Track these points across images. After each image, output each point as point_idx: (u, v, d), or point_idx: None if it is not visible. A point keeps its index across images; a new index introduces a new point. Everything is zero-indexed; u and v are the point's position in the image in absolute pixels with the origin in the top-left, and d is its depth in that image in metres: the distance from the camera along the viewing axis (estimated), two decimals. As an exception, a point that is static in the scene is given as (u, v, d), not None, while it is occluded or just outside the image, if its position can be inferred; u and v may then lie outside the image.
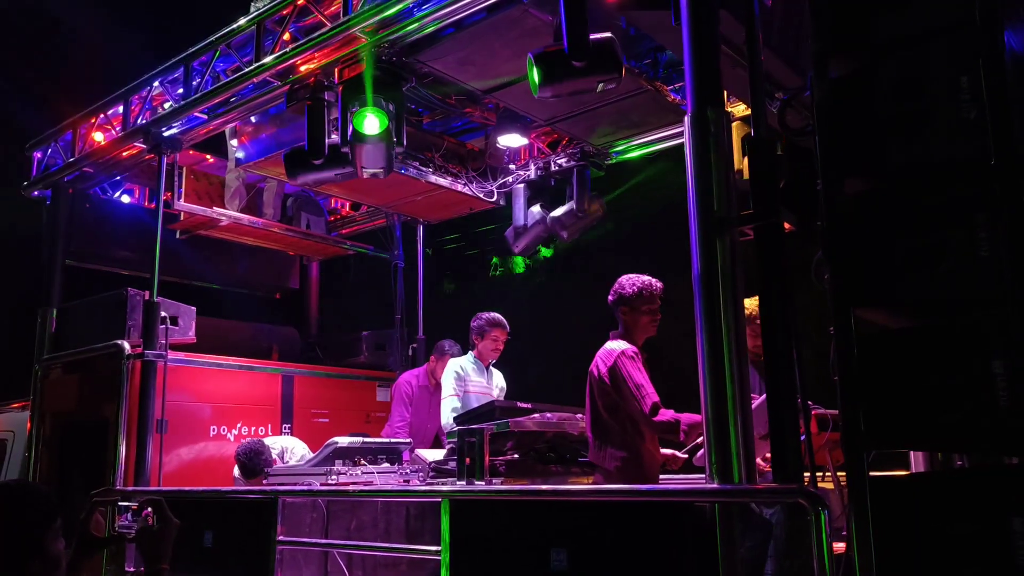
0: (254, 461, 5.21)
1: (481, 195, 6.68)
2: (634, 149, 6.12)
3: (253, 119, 5.84)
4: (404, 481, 4.91)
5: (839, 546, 2.95)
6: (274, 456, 5.41)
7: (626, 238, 7.15)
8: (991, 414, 2.32)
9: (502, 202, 6.79)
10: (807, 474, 3.08)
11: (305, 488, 4.37)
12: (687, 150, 2.97)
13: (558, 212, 6.34)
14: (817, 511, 2.50)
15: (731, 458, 2.75)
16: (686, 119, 2.96)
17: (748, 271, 2.96)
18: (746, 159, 3.03)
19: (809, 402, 4.12)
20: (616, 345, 4.21)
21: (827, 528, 2.53)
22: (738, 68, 3.24)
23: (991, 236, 2.40)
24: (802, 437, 4.13)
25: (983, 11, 2.47)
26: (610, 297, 4.30)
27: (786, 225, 2.95)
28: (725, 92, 4.99)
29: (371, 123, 4.41)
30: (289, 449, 5.64)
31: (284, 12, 4.88)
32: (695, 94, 2.97)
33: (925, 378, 2.47)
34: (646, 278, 4.24)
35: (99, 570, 4.62)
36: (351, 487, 4.39)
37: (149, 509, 2.18)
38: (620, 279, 4.30)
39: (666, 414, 3.93)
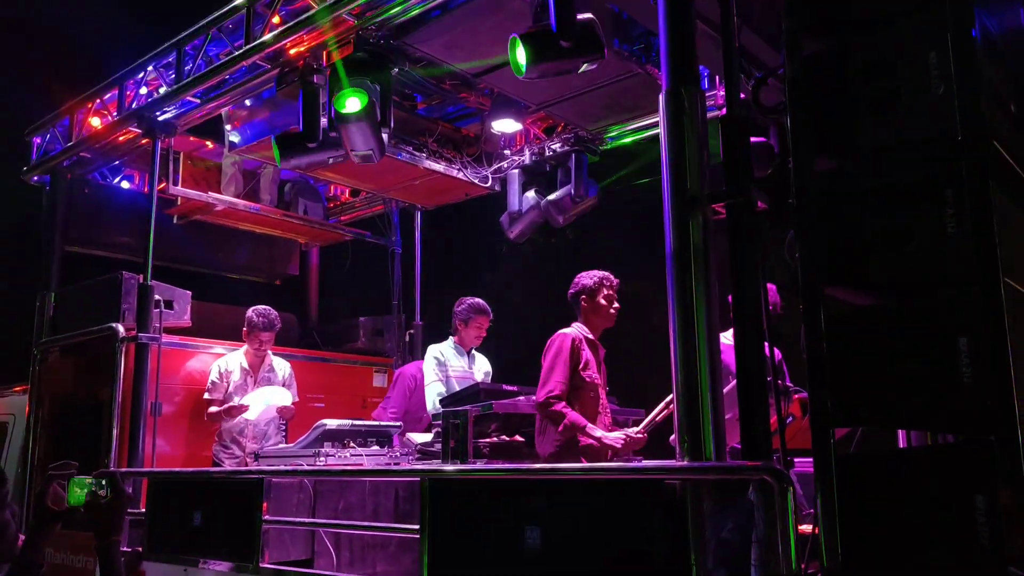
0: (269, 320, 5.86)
1: (476, 180, 6.68)
2: (628, 134, 6.11)
3: (247, 103, 5.83)
4: (395, 464, 4.94)
5: (807, 528, 2.96)
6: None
7: (620, 223, 7.14)
8: (955, 392, 2.31)
9: (497, 188, 6.79)
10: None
11: (291, 468, 4.41)
12: (661, 129, 2.96)
13: (553, 196, 6.34)
14: (783, 488, 2.50)
15: (701, 436, 2.75)
16: (660, 97, 2.95)
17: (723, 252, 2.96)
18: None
19: (792, 385, 4.15)
20: (565, 329, 4.31)
21: (793, 506, 2.54)
22: (720, 48, 3.22)
23: (958, 213, 2.39)
24: (788, 419, 4.17)
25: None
26: (570, 291, 4.46)
27: (760, 204, 2.95)
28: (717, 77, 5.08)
29: (352, 103, 4.47)
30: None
31: (274, -5, 4.90)
32: (669, 72, 2.96)
33: (892, 356, 2.46)
34: (604, 272, 4.51)
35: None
36: (334, 467, 4.42)
37: (104, 481, 2.20)
38: (578, 275, 4.52)
39: (558, 406, 4.12)
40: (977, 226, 2.34)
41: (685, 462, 2.72)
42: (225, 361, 5.97)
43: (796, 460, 3.49)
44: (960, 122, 2.38)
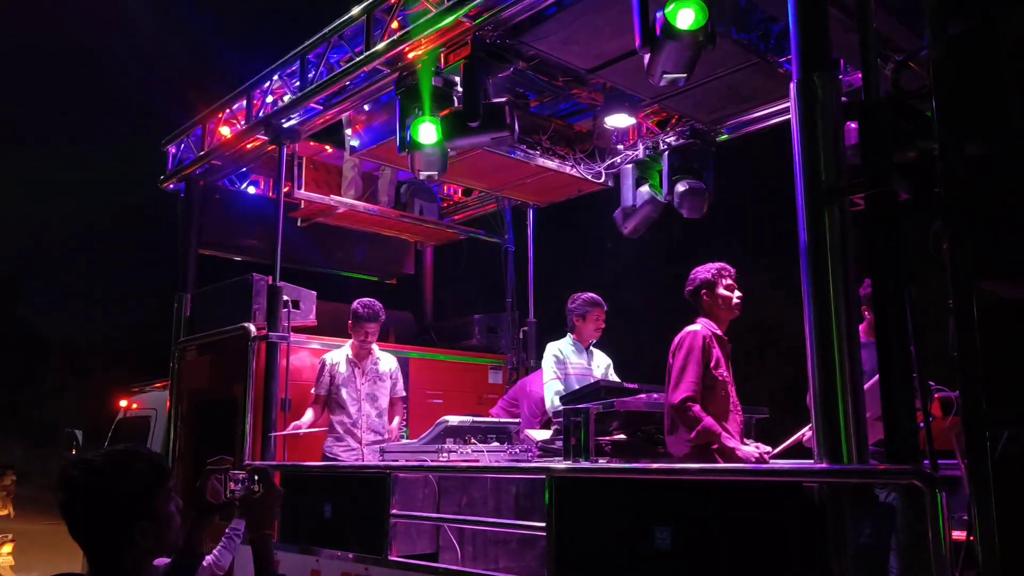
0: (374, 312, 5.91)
1: (589, 176, 6.64)
2: (745, 125, 5.93)
3: (366, 107, 5.99)
4: (515, 461, 4.97)
5: (961, 534, 2.80)
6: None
7: (726, 218, 6.96)
8: None
9: (610, 183, 6.73)
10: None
11: (417, 464, 4.50)
12: (792, 118, 2.86)
13: (684, 188, 6.14)
14: (933, 493, 2.37)
15: (840, 437, 2.64)
16: (792, 85, 2.85)
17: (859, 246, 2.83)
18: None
19: (932, 383, 3.93)
20: (693, 327, 4.19)
21: (944, 512, 2.40)
22: (849, 33, 3.08)
23: None
24: (929, 418, 3.96)
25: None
26: (688, 288, 4.37)
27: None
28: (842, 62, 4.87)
29: (427, 133, 4.77)
30: None
31: (392, 1, 5.01)
32: (801, 58, 2.85)
33: (1056, 353, 2.30)
34: (720, 262, 4.38)
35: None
36: (460, 464, 4.48)
37: (256, 476, 2.30)
38: (693, 271, 4.40)
39: (694, 409, 3.99)
40: None
41: (825, 464, 2.61)
42: (331, 356, 6.03)
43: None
44: None
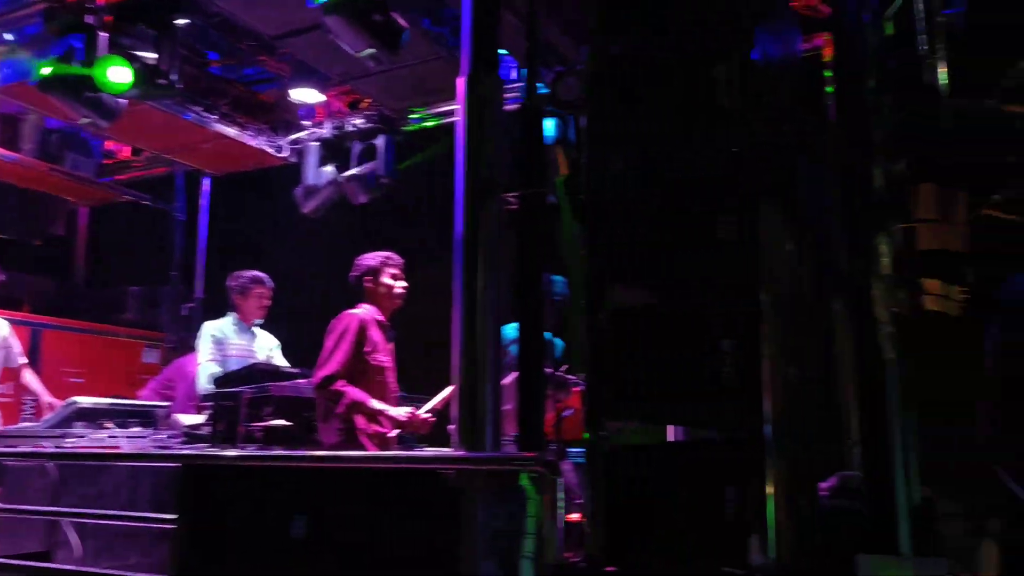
0: None
1: (271, 150, 6.35)
2: (432, 119, 6.03)
3: (8, 37, 5.16)
4: (160, 447, 4.56)
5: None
6: None
7: (416, 207, 7.05)
8: (715, 391, 2.45)
9: (294, 159, 6.48)
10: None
11: (28, 450, 3.94)
12: (459, 114, 2.90)
13: (355, 172, 6.11)
14: (553, 479, 2.54)
15: (480, 426, 2.72)
16: (460, 81, 2.89)
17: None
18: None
19: (573, 377, 4.26)
20: (352, 310, 4.14)
21: (562, 496, 2.59)
22: (523, 37, 3.21)
23: (729, 223, 2.52)
24: (569, 411, 4.27)
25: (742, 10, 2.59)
26: (352, 273, 4.26)
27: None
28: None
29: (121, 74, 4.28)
30: None
31: (45, -82, 4.35)
32: (471, 57, 2.90)
33: (664, 354, 2.57)
34: (387, 251, 4.31)
35: None
36: (81, 451, 4.00)
37: None
38: (359, 257, 4.29)
39: (337, 385, 3.93)
40: (745, 237, 2.48)
41: (461, 452, 2.68)
42: None
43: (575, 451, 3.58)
44: (746, 135, 2.51)
